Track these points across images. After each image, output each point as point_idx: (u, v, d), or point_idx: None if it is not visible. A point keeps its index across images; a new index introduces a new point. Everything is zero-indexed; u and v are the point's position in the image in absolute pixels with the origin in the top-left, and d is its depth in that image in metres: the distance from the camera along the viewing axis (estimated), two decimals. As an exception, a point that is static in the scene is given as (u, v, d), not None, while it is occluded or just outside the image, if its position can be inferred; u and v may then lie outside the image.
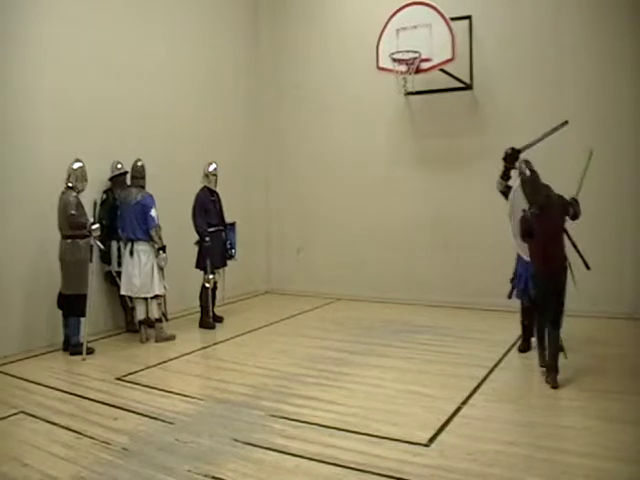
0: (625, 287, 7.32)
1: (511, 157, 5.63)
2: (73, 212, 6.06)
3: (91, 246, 6.15)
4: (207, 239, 7.25)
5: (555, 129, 5.62)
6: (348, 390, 5.01)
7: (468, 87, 8.10)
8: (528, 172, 5.02)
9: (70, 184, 6.17)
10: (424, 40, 7.49)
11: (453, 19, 7.58)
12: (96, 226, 6.15)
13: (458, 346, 6.23)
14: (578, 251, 5.39)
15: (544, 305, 5.03)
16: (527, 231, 5.01)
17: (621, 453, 3.68)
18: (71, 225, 6.08)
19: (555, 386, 4.84)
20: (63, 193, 6.16)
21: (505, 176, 5.74)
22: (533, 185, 5.00)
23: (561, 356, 4.98)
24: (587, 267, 5.38)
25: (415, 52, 7.53)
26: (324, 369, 5.58)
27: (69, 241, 6.12)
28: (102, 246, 6.43)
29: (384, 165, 8.90)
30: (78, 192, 6.18)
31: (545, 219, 4.96)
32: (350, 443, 3.93)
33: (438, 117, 8.39)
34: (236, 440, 4.03)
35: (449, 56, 7.45)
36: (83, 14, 6.95)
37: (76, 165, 6.22)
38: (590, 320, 7.05)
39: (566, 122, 5.64)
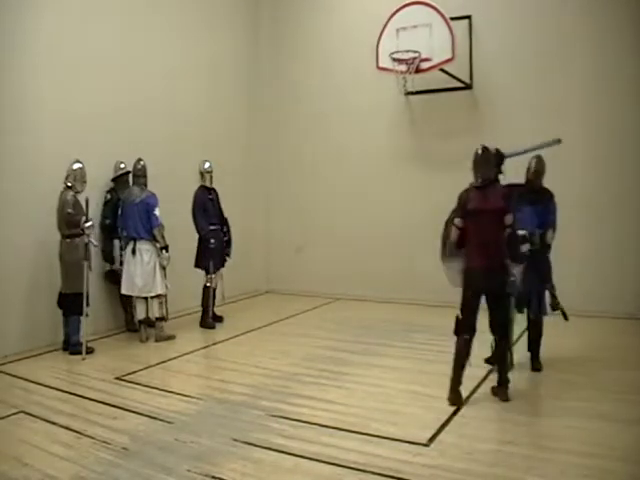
0: (626, 287, 7.32)
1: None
2: (70, 210, 6.07)
3: (86, 244, 6.15)
4: (212, 241, 7.24)
5: (547, 144, 5.45)
6: (348, 390, 5.01)
7: (468, 87, 8.10)
8: (480, 150, 4.62)
9: (69, 184, 6.18)
10: (424, 40, 7.49)
11: (453, 19, 7.58)
12: (89, 223, 6.13)
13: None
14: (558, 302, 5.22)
15: (464, 310, 4.54)
16: (461, 208, 4.56)
17: (621, 453, 3.68)
18: (67, 223, 6.09)
19: (505, 399, 4.55)
20: (62, 192, 6.18)
21: None
22: (483, 164, 4.58)
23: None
24: (565, 318, 5.21)
25: (415, 52, 7.54)
26: (324, 369, 5.58)
27: (67, 240, 6.13)
28: (96, 243, 6.40)
29: (384, 165, 8.90)
30: (76, 192, 6.19)
31: (484, 200, 4.51)
32: (350, 443, 3.93)
33: (438, 117, 8.40)
34: (236, 440, 4.03)
35: (449, 56, 7.45)
36: (83, 14, 6.94)
37: (76, 166, 6.23)
38: (591, 320, 7.05)
39: (559, 140, 5.46)
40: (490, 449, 3.81)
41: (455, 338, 4.61)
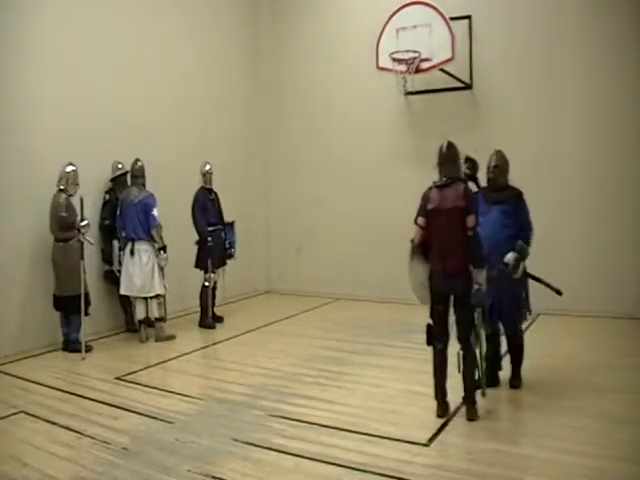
0: (626, 287, 7.31)
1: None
2: (63, 214, 6.08)
3: (82, 243, 6.14)
4: (209, 239, 7.25)
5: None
6: (348, 390, 5.01)
7: (468, 87, 8.10)
8: (445, 147, 4.38)
9: (61, 186, 6.18)
10: (424, 40, 7.48)
11: (453, 19, 7.57)
12: (85, 222, 6.12)
13: (458, 346, 6.21)
14: (545, 283, 4.77)
15: (433, 317, 4.35)
16: (422, 207, 4.34)
17: (621, 453, 3.68)
18: (61, 226, 6.09)
19: (472, 419, 4.24)
20: (54, 195, 6.18)
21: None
22: (447, 161, 4.37)
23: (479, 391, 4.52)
24: (558, 293, 4.77)
25: (415, 52, 7.53)
26: (324, 369, 5.58)
27: (60, 244, 6.13)
28: (92, 241, 6.40)
29: (384, 165, 8.89)
30: (69, 195, 6.19)
31: (444, 200, 4.26)
32: (350, 443, 3.93)
33: (438, 117, 8.38)
34: (236, 440, 4.03)
35: (449, 56, 7.45)
36: (84, 14, 6.94)
37: (68, 169, 6.23)
38: (591, 320, 7.06)
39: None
40: (490, 449, 3.81)
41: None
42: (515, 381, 4.90)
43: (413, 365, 5.60)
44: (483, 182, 5.10)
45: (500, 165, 4.82)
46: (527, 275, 4.83)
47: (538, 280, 4.85)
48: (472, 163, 4.95)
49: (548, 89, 7.72)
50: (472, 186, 4.84)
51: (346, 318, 7.79)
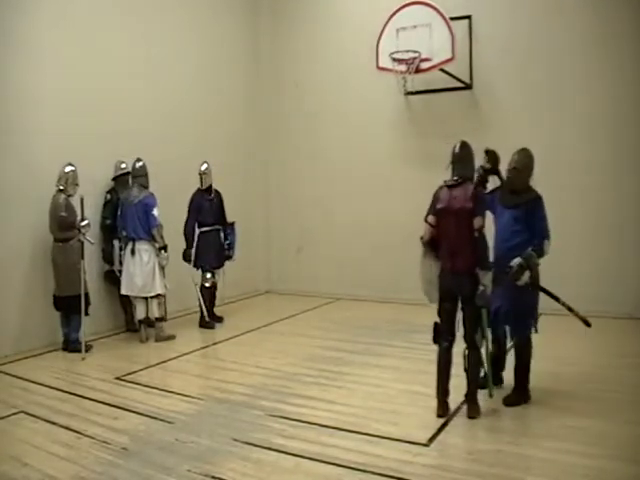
0: (626, 287, 7.30)
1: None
2: (63, 214, 6.08)
3: (82, 243, 6.15)
4: (187, 243, 7.24)
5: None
6: (348, 390, 5.01)
7: (468, 87, 8.10)
8: (458, 147, 4.35)
9: (61, 187, 6.18)
10: (424, 40, 7.48)
11: (453, 19, 7.57)
12: (85, 222, 6.13)
13: (458, 345, 6.21)
14: (568, 306, 4.67)
15: (440, 315, 4.42)
16: (432, 206, 4.39)
17: (621, 453, 3.68)
18: (61, 226, 6.09)
19: (473, 416, 4.27)
20: (54, 196, 6.18)
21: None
22: (460, 161, 4.33)
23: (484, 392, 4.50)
24: (587, 324, 4.70)
25: (415, 52, 7.53)
26: (324, 369, 5.58)
27: (60, 244, 6.13)
28: (92, 241, 6.40)
29: (384, 165, 8.89)
30: (68, 195, 6.19)
31: (452, 200, 4.27)
32: (350, 443, 3.93)
33: (438, 117, 8.38)
34: (236, 440, 4.03)
35: (449, 56, 7.45)
36: (83, 14, 6.94)
37: (67, 169, 6.22)
38: (591, 320, 7.03)
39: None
40: (490, 449, 3.81)
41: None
42: (509, 398, 4.55)
43: (414, 365, 5.61)
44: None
45: (519, 167, 4.48)
46: (543, 290, 4.60)
47: (556, 299, 4.66)
48: (492, 155, 4.63)
49: (548, 89, 7.72)
50: (494, 180, 4.67)
51: (346, 318, 7.78)
